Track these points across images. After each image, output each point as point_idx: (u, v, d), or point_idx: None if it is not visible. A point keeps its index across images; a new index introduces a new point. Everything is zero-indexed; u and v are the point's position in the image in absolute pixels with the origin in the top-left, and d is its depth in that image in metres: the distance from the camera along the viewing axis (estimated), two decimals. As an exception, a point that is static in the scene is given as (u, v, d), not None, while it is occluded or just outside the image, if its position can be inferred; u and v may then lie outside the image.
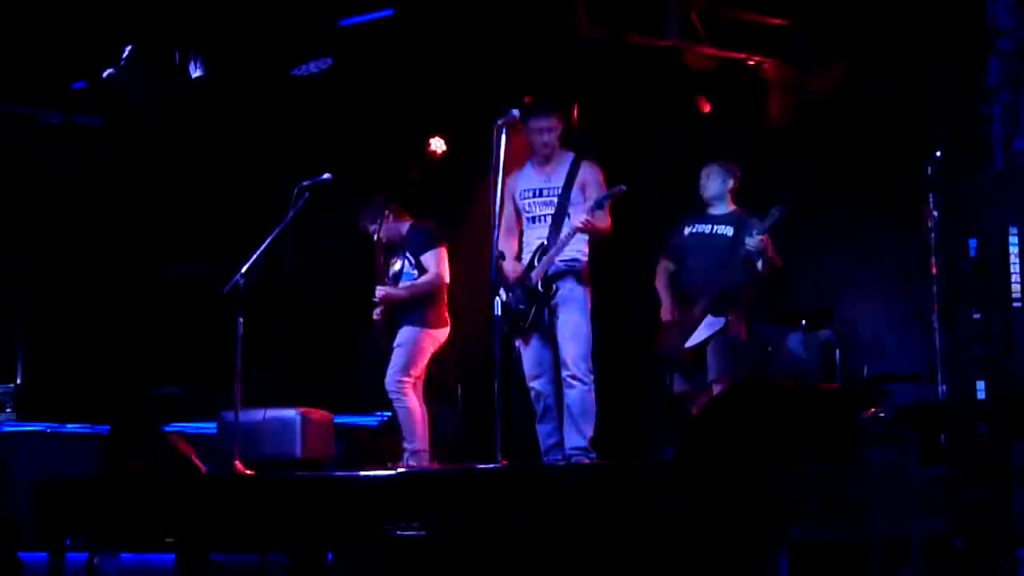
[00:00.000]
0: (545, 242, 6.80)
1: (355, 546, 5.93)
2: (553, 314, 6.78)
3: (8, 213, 10.76)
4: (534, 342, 6.83)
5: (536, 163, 6.93)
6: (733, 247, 7.06)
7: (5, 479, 8.34)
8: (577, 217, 6.66)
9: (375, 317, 7.60)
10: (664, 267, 7.40)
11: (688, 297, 7.17)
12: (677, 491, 5.13)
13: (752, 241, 6.91)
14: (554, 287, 6.76)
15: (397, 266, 7.63)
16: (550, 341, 6.81)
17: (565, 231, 6.72)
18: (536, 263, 6.80)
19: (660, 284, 7.37)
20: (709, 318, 7.05)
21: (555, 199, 6.83)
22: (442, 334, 7.53)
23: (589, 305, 6.80)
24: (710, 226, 7.24)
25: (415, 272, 7.57)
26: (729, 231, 7.14)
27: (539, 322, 6.79)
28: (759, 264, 6.99)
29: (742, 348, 7.10)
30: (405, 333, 7.49)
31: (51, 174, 10.70)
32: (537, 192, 6.90)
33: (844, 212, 8.60)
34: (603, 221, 6.71)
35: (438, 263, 7.49)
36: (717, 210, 7.28)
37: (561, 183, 6.83)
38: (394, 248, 7.69)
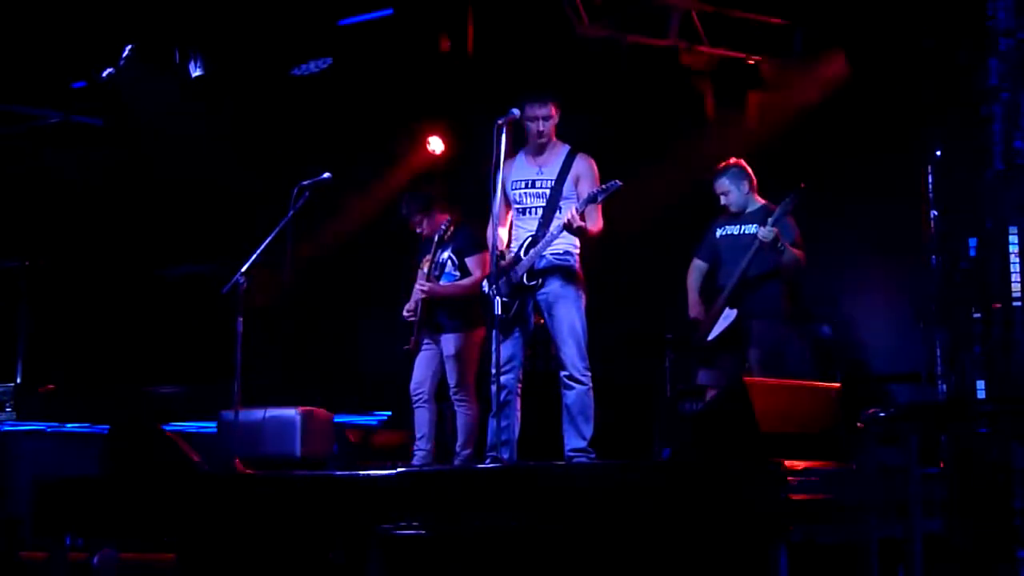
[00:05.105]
0: (534, 235, 6.61)
1: (355, 546, 5.93)
2: (540, 311, 6.65)
3: (8, 213, 10.76)
4: (512, 336, 6.62)
5: (529, 153, 6.74)
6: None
7: (5, 479, 8.34)
8: (567, 211, 6.46)
9: (408, 317, 7.46)
10: (695, 266, 7.43)
11: (718, 295, 7.23)
12: (677, 491, 5.13)
13: (764, 231, 6.92)
14: (541, 281, 6.58)
15: (444, 256, 7.52)
16: (524, 338, 6.66)
17: (555, 225, 6.54)
18: (523, 256, 6.61)
19: (689, 282, 7.42)
20: (727, 310, 7.10)
21: (547, 191, 6.63)
22: (482, 331, 7.48)
23: (583, 302, 6.61)
24: (739, 226, 7.27)
25: (457, 273, 7.50)
26: (755, 228, 7.17)
27: (521, 317, 6.62)
28: (783, 257, 6.97)
29: (780, 348, 7.11)
30: (456, 342, 7.43)
31: (51, 174, 10.70)
32: (529, 183, 6.69)
33: (844, 211, 8.60)
34: (594, 220, 6.54)
35: (482, 268, 7.37)
36: (746, 209, 7.31)
37: (554, 175, 6.64)
38: (431, 242, 7.56)
